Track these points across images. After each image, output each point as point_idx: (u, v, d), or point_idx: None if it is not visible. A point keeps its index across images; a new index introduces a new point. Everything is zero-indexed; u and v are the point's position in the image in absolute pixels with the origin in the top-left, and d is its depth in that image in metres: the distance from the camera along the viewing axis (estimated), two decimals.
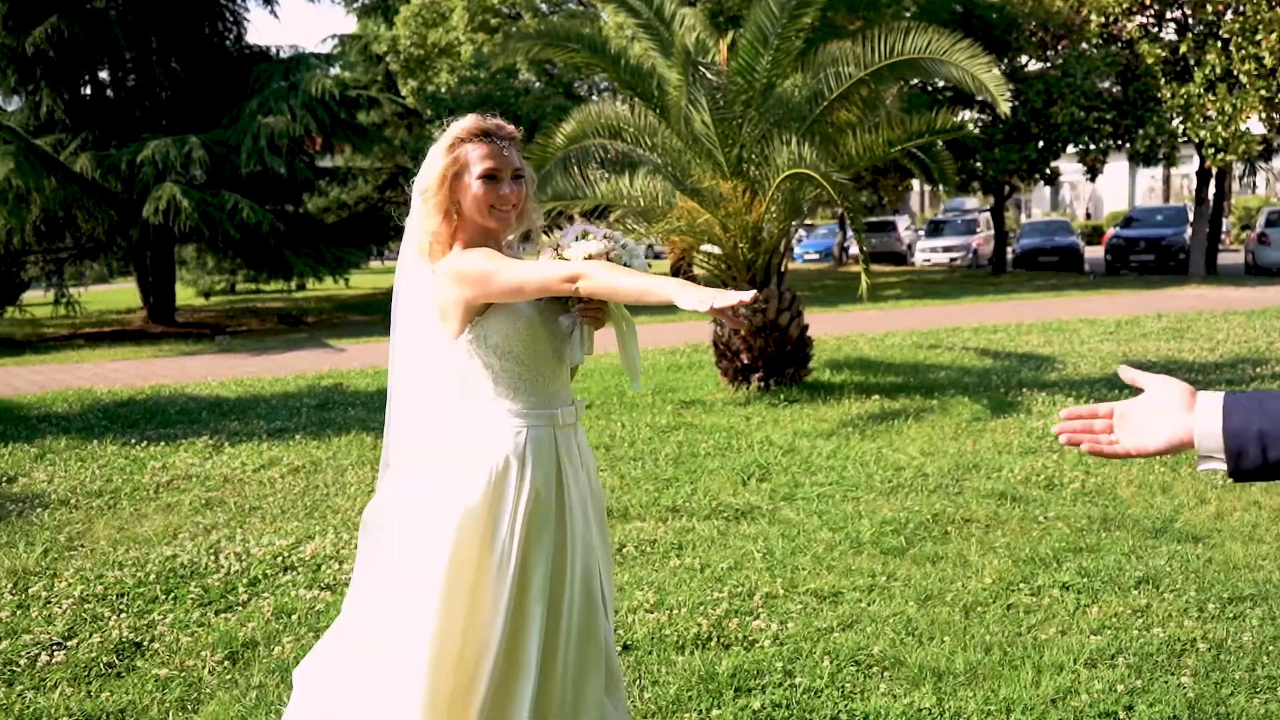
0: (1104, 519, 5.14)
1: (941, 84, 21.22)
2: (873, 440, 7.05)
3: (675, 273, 24.22)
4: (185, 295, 27.19)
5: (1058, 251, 26.93)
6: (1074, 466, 6.13)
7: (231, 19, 19.92)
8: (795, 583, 4.35)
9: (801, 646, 3.70)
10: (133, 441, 7.68)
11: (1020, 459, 6.37)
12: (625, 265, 2.35)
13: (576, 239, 2.40)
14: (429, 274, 2.40)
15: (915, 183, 36.70)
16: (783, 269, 9.02)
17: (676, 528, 5.22)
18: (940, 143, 9.39)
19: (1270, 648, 3.61)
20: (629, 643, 3.79)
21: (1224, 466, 1.38)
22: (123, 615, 4.22)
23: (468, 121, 2.38)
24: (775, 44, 8.25)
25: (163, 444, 7.58)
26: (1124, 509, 5.31)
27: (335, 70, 19.50)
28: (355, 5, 29.76)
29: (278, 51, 20.41)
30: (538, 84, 21.99)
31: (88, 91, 19.14)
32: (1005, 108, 7.44)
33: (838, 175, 7.45)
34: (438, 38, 23.21)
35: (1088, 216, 44.73)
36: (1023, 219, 41.74)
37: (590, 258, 2.31)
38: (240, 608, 4.28)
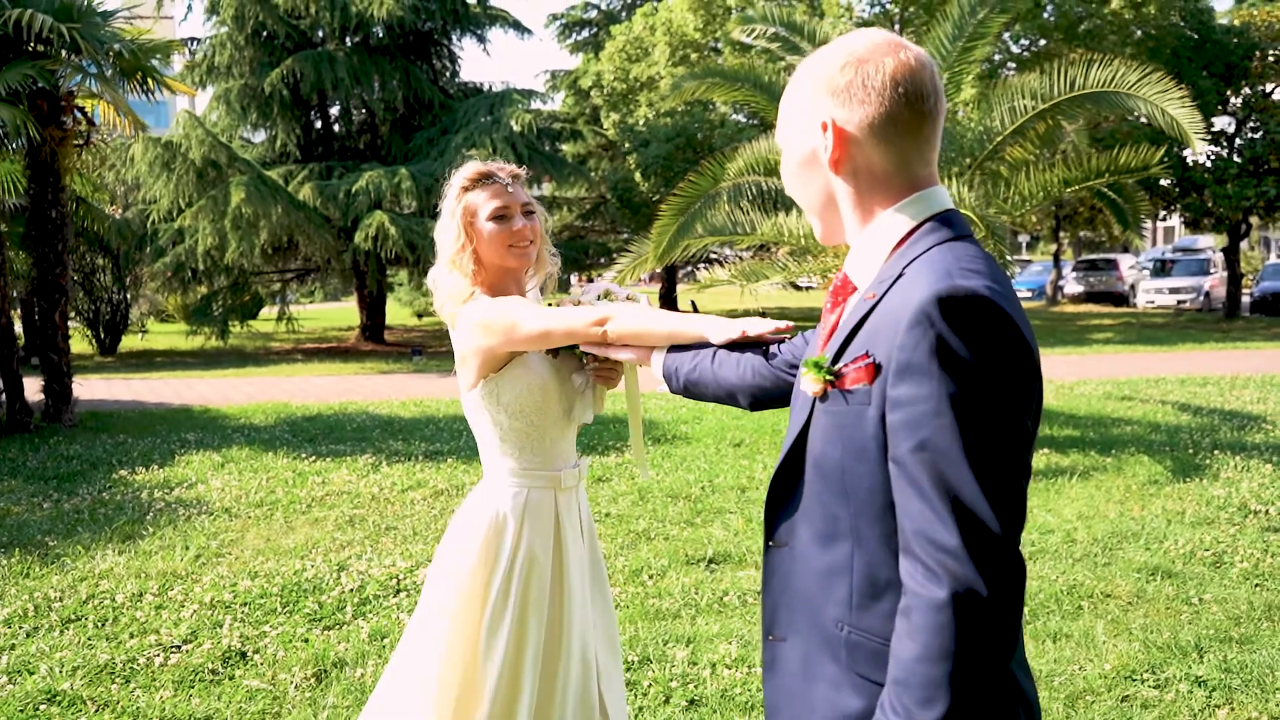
0: (1270, 606, 4.57)
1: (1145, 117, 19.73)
2: (1031, 498, 6.57)
3: None
4: (401, 315, 29.04)
5: None
6: (1252, 543, 5.50)
7: (447, 57, 21.22)
8: None
9: None
10: (304, 455, 8.22)
11: (1189, 530, 5.77)
12: None
13: (599, 297, 2.36)
14: (455, 321, 2.42)
15: (1145, 219, 34.24)
16: None
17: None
18: (1153, 179, 8.71)
19: None
20: (696, 698, 3.69)
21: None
22: (239, 624, 4.50)
23: (467, 169, 2.38)
24: (946, 77, 7.92)
25: (329, 459, 8.07)
26: None
27: (537, 105, 20.31)
28: (570, 41, 30.98)
29: (489, 87, 21.53)
30: (735, 117, 22.09)
31: (318, 126, 20.85)
32: (1196, 145, 6.81)
33: (1007, 214, 7.03)
34: (639, 72, 23.76)
35: None
36: (1271, 259, 38.09)
37: None
38: (342, 626, 4.48)
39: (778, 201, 8.57)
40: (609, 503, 6.64)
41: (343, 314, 31.16)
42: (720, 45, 22.99)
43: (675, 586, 4.97)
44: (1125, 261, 33.67)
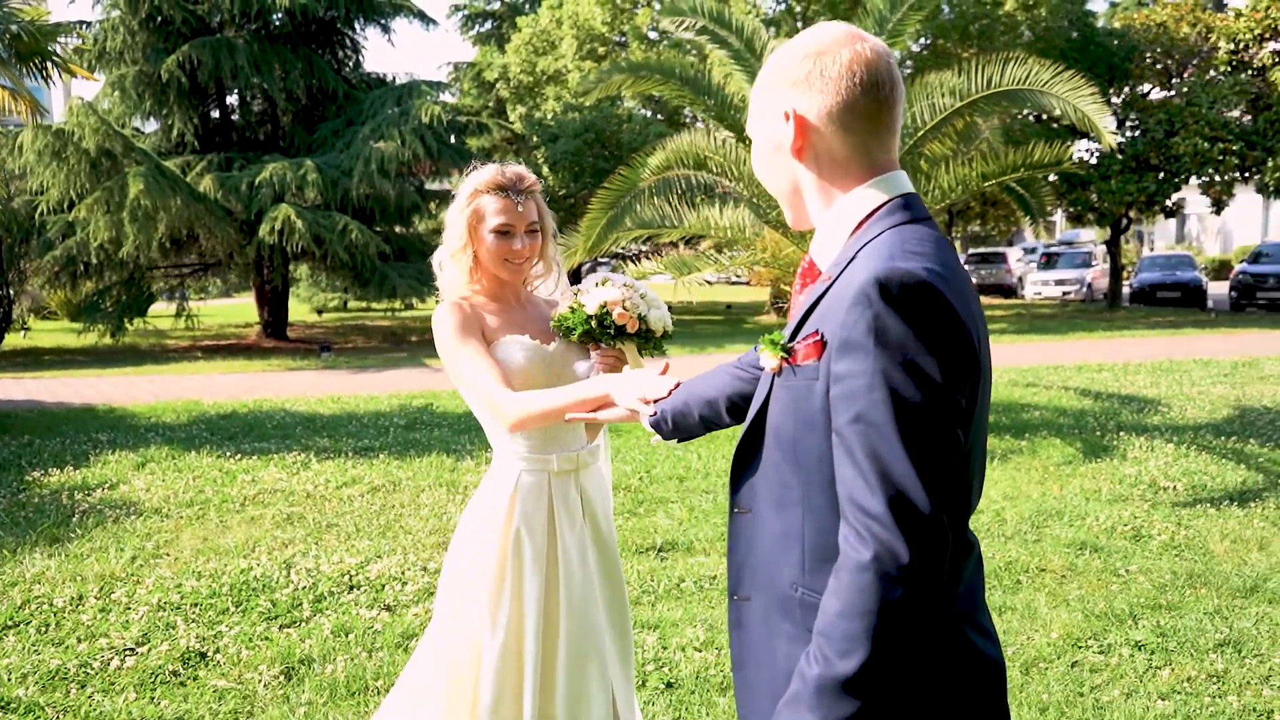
0: (1190, 575, 4.89)
1: (1057, 113, 20.67)
2: None
3: (774, 302, 24.05)
4: (300, 311, 28.30)
5: (1178, 287, 25.73)
6: (1165, 518, 5.85)
7: (351, 47, 20.77)
8: None
9: None
10: (228, 454, 8.00)
11: (1108, 507, 6.11)
12: (643, 315, 2.37)
13: (596, 285, 2.41)
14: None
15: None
16: None
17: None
18: (1050, 175, 9.12)
19: None
20: (672, 680, 3.77)
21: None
22: (193, 625, 4.39)
23: (486, 174, 2.41)
24: None
25: (255, 458, 7.87)
26: (1214, 565, 5.03)
27: (446, 97, 20.07)
28: (472, 33, 30.65)
29: (393, 79, 21.16)
30: (642, 112, 22.21)
31: (215, 115, 20.18)
32: (1109, 140, 7.18)
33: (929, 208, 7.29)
34: (546, 65, 23.68)
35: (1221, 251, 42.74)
36: (1145, 252, 40.15)
37: (606, 305, 2.34)
38: (303, 624, 4.41)
39: (707, 195, 8.70)
40: None
41: (237, 310, 30.22)
42: (627, 39, 23.07)
43: (630, 574, 5.03)
44: (1013, 255, 35.07)
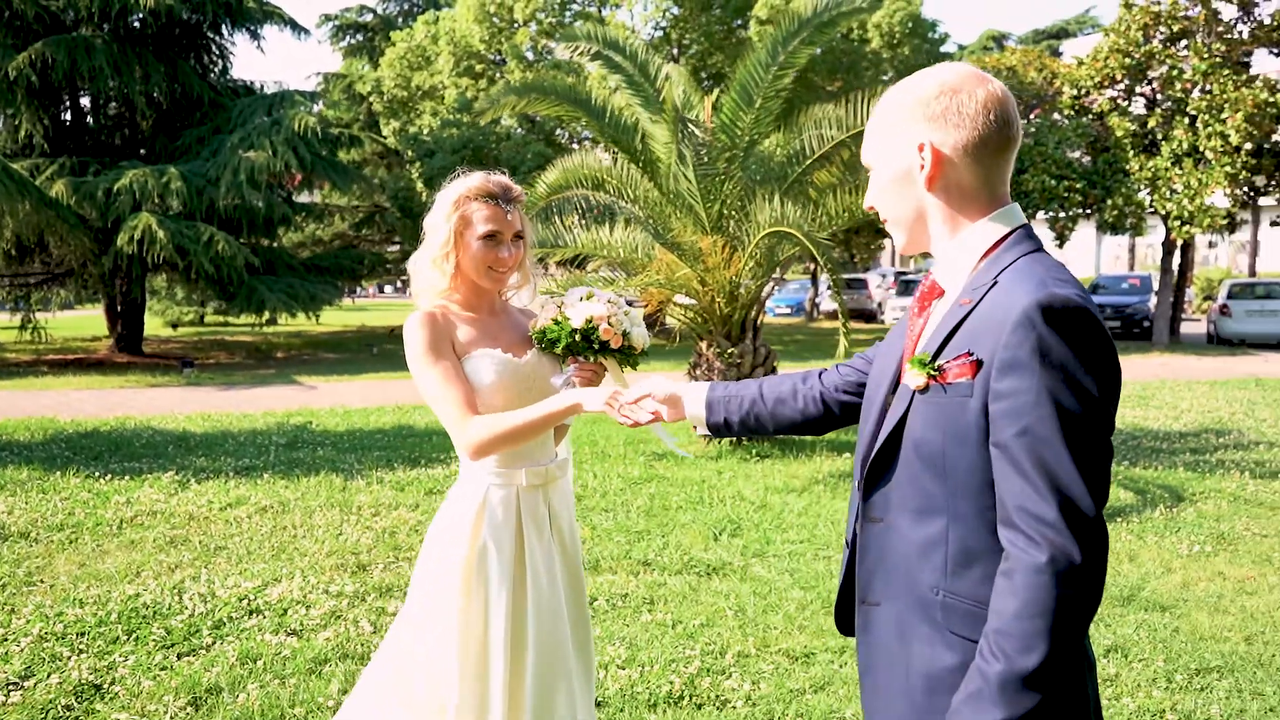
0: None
1: None
2: (843, 498, 7.08)
3: (650, 323, 24.34)
4: (152, 325, 26.95)
5: None
6: None
7: (217, 52, 20.02)
8: (767, 642, 4.34)
9: (774, 709, 3.68)
10: (96, 474, 7.56)
11: None
12: (626, 331, 2.38)
13: (581, 299, 2.40)
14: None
15: (887, 241, 37.22)
16: (758, 323, 9.09)
17: (648, 582, 5.20)
18: None
19: None
20: (600, 699, 3.76)
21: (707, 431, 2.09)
22: (83, 655, 4.13)
23: (474, 181, 2.40)
24: (758, 103, 8.40)
25: (127, 478, 7.46)
26: None
27: (319, 108, 19.55)
28: (342, 44, 29.98)
29: (262, 87, 20.50)
30: (519, 130, 22.17)
31: (68, 117, 19.09)
32: None
33: (818, 234, 7.55)
34: (421, 80, 23.37)
35: None
36: None
37: (592, 320, 2.34)
38: (204, 651, 4.20)
39: (601, 216, 8.76)
40: None
41: (83, 323, 28.56)
42: (505, 58, 23.01)
43: None
44: (873, 280, 36.48)
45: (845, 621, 1.84)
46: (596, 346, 2.36)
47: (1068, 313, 1.42)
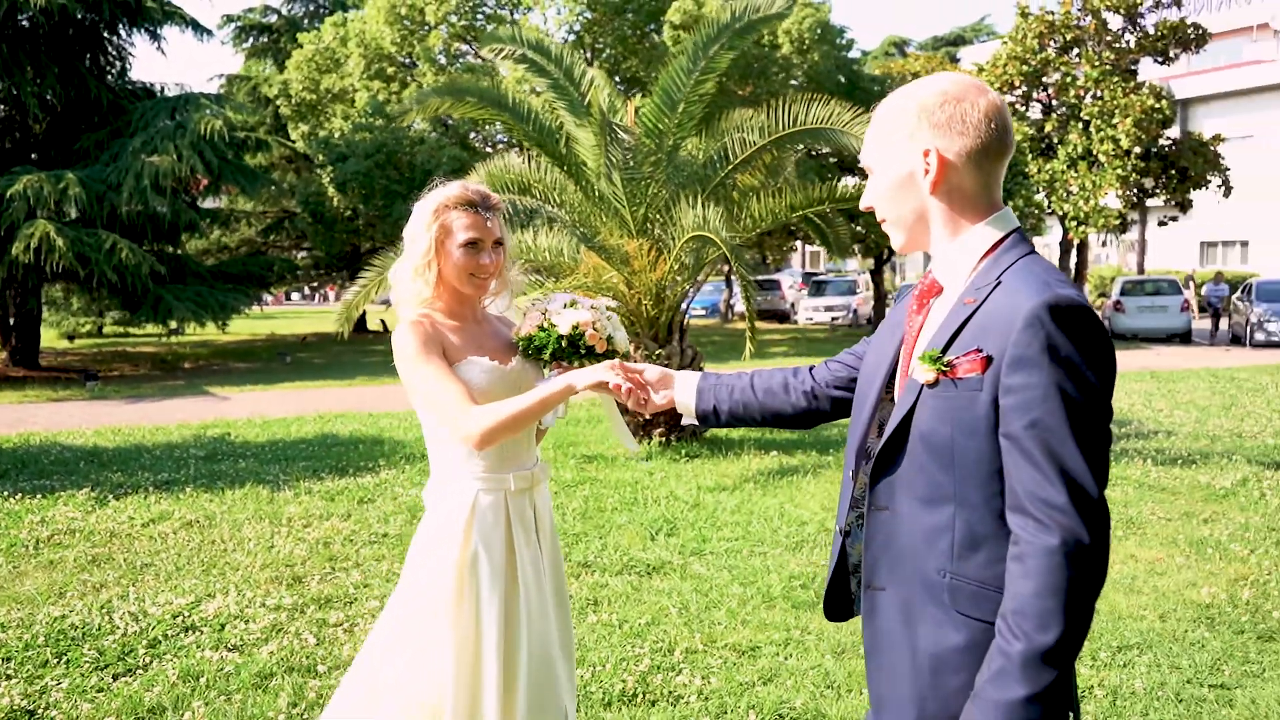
0: None
1: (825, 151, 22.12)
2: (774, 496, 7.22)
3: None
4: (47, 337, 25.88)
5: None
6: None
7: (115, 54, 19.35)
8: (713, 638, 4.42)
9: (726, 701, 3.76)
10: (4, 493, 7.26)
11: None
12: (610, 335, 2.42)
13: (565, 306, 2.44)
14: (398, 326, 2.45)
15: (798, 243, 37.91)
16: (684, 325, 9.20)
17: (590, 583, 5.24)
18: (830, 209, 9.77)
19: (1159, 693, 3.84)
20: None
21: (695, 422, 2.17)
22: (12, 680, 3.98)
23: (452, 190, 2.42)
24: (681, 107, 8.51)
25: (39, 496, 7.19)
26: None
27: (224, 111, 19.03)
28: (245, 46, 29.26)
29: (163, 89, 19.89)
30: (433, 134, 21.94)
31: None
32: None
33: (734, 239, 7.68)
34: (331, 83, 22.96)
35: None
36: (898, 281, 43.47)
37: (579, 326, 2.37)
38: (141, 671, 4.10)
39: (525, 220, 8.75)
40: (380, 523, 6.48)
41: None
42: (418, 61, 22.75)
43: None
44: (786, 282, 37.07)
45: (835, 609, 1.90)
46: (583, 351, 2.39)
47: (1073, 312, 1.52)
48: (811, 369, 2.14)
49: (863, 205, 1.81)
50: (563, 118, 8.82)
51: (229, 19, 28.95)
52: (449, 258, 2.39)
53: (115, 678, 4.04)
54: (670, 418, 8.95)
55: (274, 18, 29.25)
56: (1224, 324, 23.75)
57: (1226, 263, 36.22)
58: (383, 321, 28.16)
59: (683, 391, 2.17)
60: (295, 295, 60.01)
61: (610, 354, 2.44)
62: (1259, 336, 20.74)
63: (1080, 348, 1.52)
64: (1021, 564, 1.51)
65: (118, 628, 4.55)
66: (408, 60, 23.52)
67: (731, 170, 8.54)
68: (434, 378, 2.30)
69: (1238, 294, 22.98)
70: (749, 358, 8.54)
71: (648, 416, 8.92)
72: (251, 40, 29.18)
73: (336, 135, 21.99)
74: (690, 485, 7.53)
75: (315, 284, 36.84)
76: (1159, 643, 4.36)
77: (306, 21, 28.95)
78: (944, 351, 1.64)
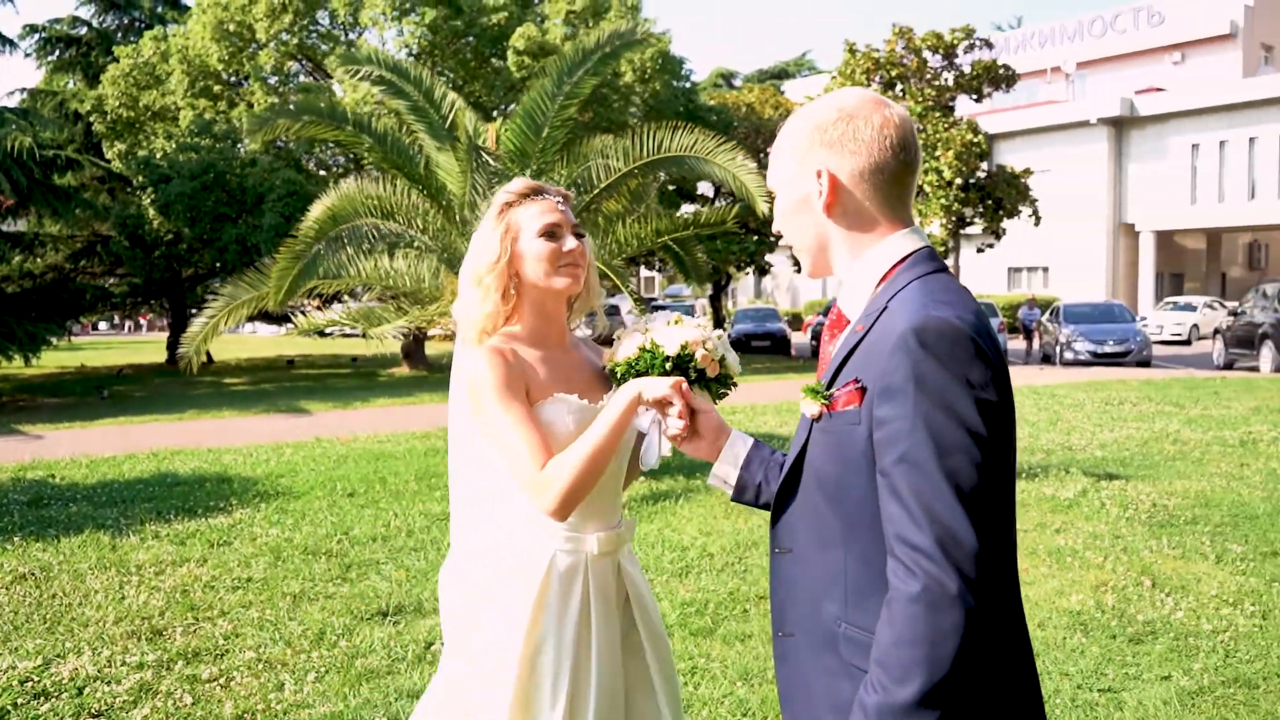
0: None
1: (665, 178, 22.51)
2: (652, 521, 7.19)
3: (407, 355, 23.63)
4: None
5: (768, 337, 28.87)
6: None
7: None
8: None
9: None
10: None
11: None
12: (722, 356, 2.09)
13: (668, 324, 2.09)
14: (468, 354, 2.12)
15: (640, 269, 38.41)
16: None
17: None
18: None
19: (1056, 700, 4.00)
20: None
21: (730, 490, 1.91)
22: None
23: (515, 184, 2.15)
24: (545, 132, 8.45)
25: None
26: None
27: (31, 127, 17.66)
28: (50, 59, 27.31)
29: None
30: (266, 156, 21.03)
31: None
32: (763, 207, 7.97)
33: (617, 262, 7.68)
34: (151, 100, 21.69)
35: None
36: (730, 306, 44.60)
37: (688, 345, 2.03)
38: None
39: (377, 245, 8.44)
40: (242, 567, 6.07)
41: None
42: (248, 79, 21.80)
43: (369, 644, 4.73)
44: (624, 306, 37.41)
45: None
46: (692, 376, 2.03)
47: (941, 336, 1.40)
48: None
49: (774, 229, 1.72)
50: (422, 140, 8.60)
51: (32, 29, 26.96)
52: (525, 257, 2.07)
53: None
54: None
55: (84, 30, 27.42)
56: (1035, 344, 25.44)
57: (1031, 287, 38.98)
58: (208, 353, 26.68)
59: (737, 446, 1.90)
60: (103, 324, 56.25)
61: (723, 379, 2.11)
62: (1068, 355, 22.35)
63: (952, 374, 1.39)
64: (888, 610, 1.39)
65: None
66: (235, 79, 22.51)
67: (597, 196, 8.52)
68: (512, 426, 1.98)
69: (1046, 316, 24.72)
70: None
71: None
72: (58, 53, 27.25)
73: (159, 155, 20.74)
74: None
75: (126, 312, 34.57)
76: (1044, 650, 4.55)
77: (120, 35, 27.29)
78: (831, 383, 1.57)
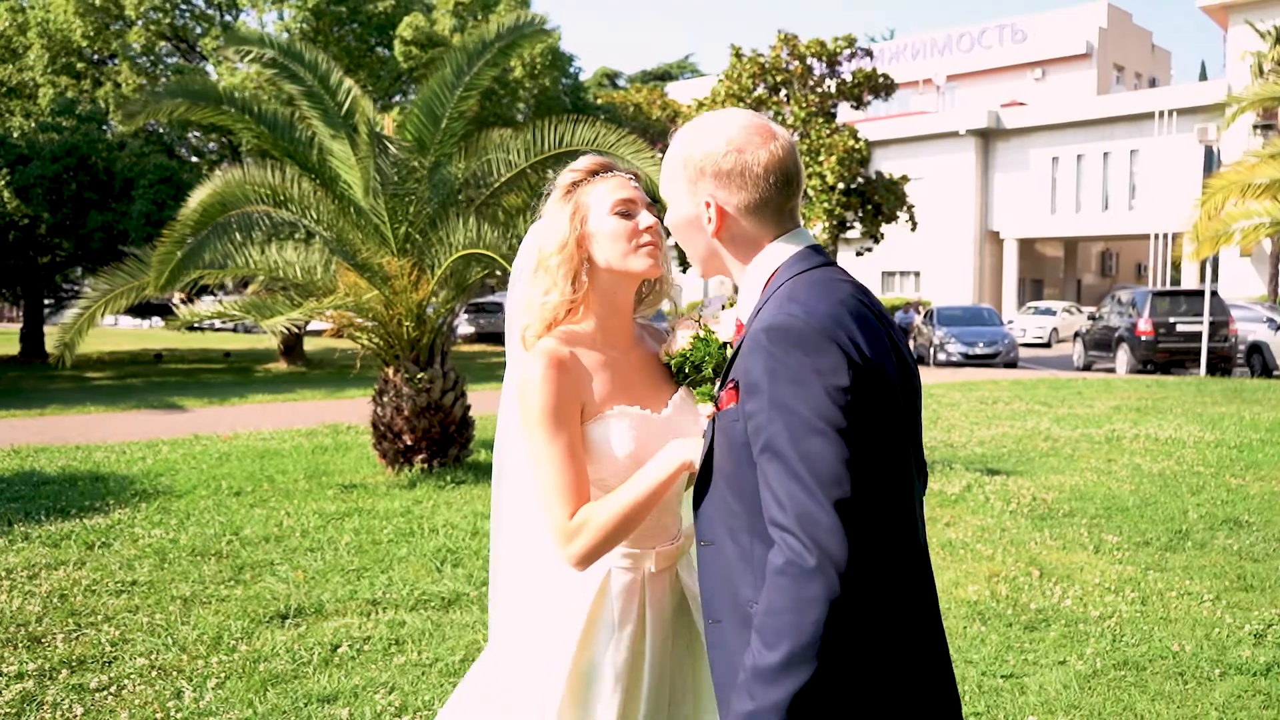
0: None
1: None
2: None
3: (285, 350, 22.81)
4: None
5: None
6: None
7: None
8: None
9: None
10: None
11: None
12: None
13: (724, 307, 1.99)
14: (519, 359, 1.93)
15: None
16: (446, 349, 8.92)
17: (385, 621, 4.92)
18: None
19: (964, 687, 4.13)
20: None
21: None
22: None
23: (580, 162, 1.98)
24: (444, 124, 8.29)
25: None
26: None
27: None
28: None
29: None
30: (135, 139, 20.00)
31: None
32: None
33: (507, 254, 7.57)
34: (6, 75, 20.38)
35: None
36: None
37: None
38: None
39: (270, 234, 8.14)
40: (124, 570, 5.76)
41: None
42: (115, 58, 20.69)
43: (270, 647, 4.55)
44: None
45: None
46: None
47: (788, 331, 1.51)
48: None
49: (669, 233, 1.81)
50: (316, 127, 8.32)
51: None
52: (596, 238, 1.89)
53: None
54: (430, 443, 8.64)
55: None
56: (911, 345, 26.34)
57: (904, 290, 40.40)
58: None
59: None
60: None
61: None
62: (940, 356, 23.22)
63: (799, 364, 1.49)
64: (765, 584, 1.51)
65: None
66: (100, 57, 21.35)
67: (497, 189, 8.41)
68: (551, 461, 1.82)
69: (921, 318, 25.64)
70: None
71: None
72: None
73: (16, 134, 19.49)
74: (465, 512, 7.29)
75: None
76: (948, 640, 4.70)
77: None
78: (722, 384, 1.67)
